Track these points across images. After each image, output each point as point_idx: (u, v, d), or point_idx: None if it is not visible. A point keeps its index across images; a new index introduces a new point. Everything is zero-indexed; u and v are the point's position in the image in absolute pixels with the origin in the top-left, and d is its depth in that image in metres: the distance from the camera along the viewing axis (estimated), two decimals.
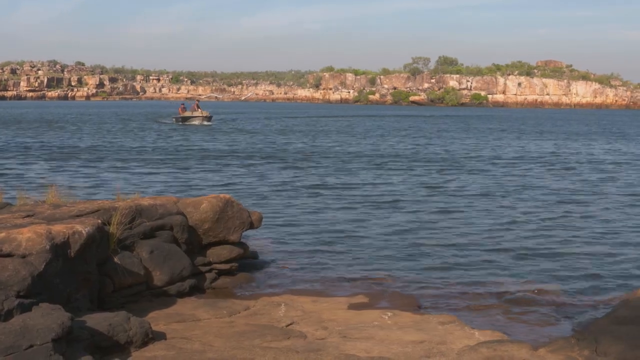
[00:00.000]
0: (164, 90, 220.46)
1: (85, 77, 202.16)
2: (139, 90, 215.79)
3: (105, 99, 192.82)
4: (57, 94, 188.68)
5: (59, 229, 8.72)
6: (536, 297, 11.80)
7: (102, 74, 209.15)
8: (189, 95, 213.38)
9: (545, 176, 29.02)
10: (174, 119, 72.40)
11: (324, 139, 51.14)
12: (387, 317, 10.11)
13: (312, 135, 55.31)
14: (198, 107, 70.98)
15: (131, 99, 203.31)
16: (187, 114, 69.79)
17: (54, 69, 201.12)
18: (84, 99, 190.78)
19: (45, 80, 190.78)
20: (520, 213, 19.72)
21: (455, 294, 11.91)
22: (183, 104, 75.21)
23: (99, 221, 9.76)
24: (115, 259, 10.02)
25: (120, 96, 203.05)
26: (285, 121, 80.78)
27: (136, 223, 10.77)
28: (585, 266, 13.89)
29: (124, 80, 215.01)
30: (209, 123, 68.24)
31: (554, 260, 14.29)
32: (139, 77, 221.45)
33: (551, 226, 17.86)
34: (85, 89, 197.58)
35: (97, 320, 7.85)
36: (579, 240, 16.17)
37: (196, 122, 67.88)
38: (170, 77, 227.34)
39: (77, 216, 10.14)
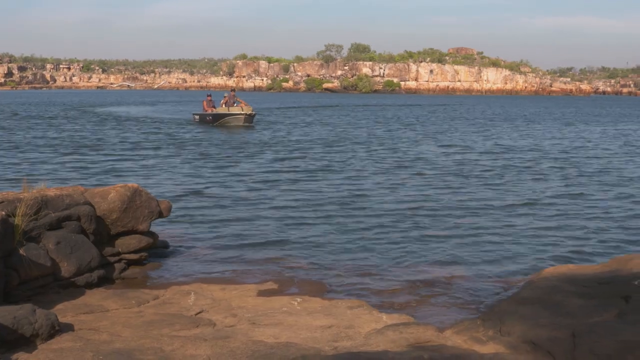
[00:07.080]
0: (75, 79, 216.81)
1: None
2: (49, 79, 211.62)
3: (14, 89, 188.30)
4: None
5: None
6: (445, 280, 11.98)
7: (10, 62, 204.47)
8: (100, 84, 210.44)
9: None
10: (195, 117, 52.99)
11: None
12: (296, 303, 10.18)
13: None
14: (233, 101, 49.65)
15: (41, 88, 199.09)
16: (222, 110, 48.91)
17: None
18: None
19: None
20: (431, 196, 20.01)
21: (364, 278, 12.02)
22: (209, 95, 52.74)
23: (3, 213, 9.57)
24: (21, 251, 9.83)
25: (30, 85, 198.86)
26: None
27: (42, 214, 10.58)
28: (494, 250, 14.19)
29: (34, 69, 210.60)
30: (250, 124, 48.64)
31: (463, 244, 14.55)
32: (49, 66, 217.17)
33: (461, 210, 18.19)
34: None
35: (1, 314, 7.70)
36: (489, 224, 16.48)
37: (235, 123, 48.18)
38: (81, 65, 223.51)
39: None
